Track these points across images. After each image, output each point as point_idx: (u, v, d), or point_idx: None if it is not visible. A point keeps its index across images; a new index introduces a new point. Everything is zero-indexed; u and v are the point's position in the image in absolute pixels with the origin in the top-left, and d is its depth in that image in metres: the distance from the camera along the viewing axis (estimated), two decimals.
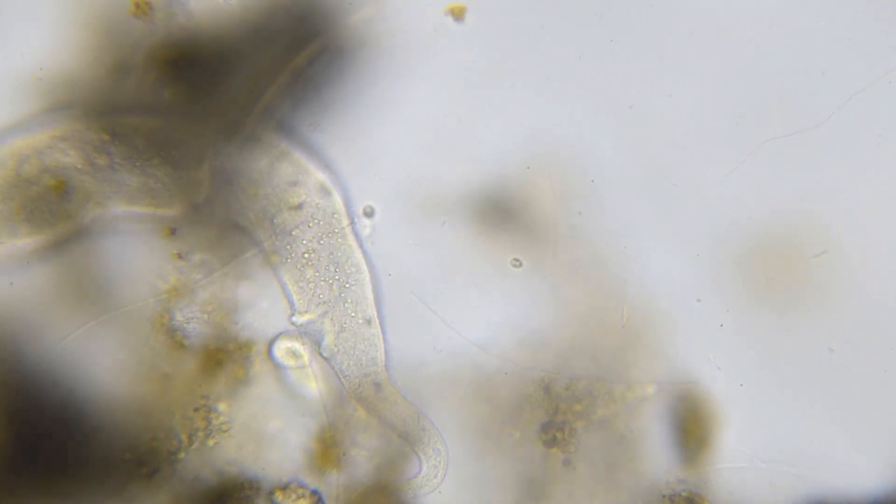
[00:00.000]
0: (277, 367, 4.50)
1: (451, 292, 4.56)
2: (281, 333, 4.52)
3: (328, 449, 4.50)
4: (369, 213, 4.39)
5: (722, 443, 4.55)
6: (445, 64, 4.56)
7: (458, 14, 4.55)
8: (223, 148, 4.47)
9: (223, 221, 4.49)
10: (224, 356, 4.47)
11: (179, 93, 4.46)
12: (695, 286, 4.56)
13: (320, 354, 4.52)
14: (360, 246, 4.54)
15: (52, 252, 4.44)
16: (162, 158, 4.44)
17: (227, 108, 4.48)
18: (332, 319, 4.52)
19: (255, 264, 4.51)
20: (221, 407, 4.48)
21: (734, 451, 4.55)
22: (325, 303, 4.51)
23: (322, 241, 4.52)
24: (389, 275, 4.56)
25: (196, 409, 4.45)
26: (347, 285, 4.52)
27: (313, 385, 4.52)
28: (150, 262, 4.47)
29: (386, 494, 4.53)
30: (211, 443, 4.47)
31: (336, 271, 4.52)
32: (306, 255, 4.50)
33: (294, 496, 4.45)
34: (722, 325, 4.56)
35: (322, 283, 4.52)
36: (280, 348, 4.49)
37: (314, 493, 4.47)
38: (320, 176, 4.53)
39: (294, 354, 4.50)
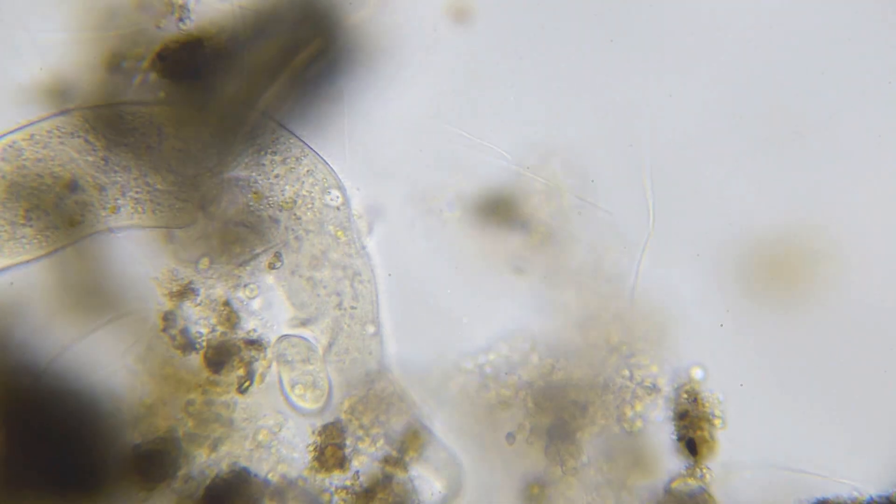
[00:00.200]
0: (294, 409, 4.53)
1: (452, 292, 4.57)
2: (283, 337, 4.53)
3: (333, 449, 4.51)
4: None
5: (722, 443, 4.55)
6: (445, 64, 4.57)
7: (457, 15, 4.56)
8: (224, 150, 4.47)
9: (225, 225, 4.49)
10: (227, 358, 4.48)
11: (180, 93, 4.46)
12: (695, 286, 4.56)
13: (322, 356, 4.53)
14: (361, 246, 4.55)
15: (53, 253, 4.44)
16: (163, 161, 4.45)
17: (227, 109, 4.48)
18: (333, 321, 4.53)
19: (256, 267, 4.51)
20: (223, 409, 4.49)
21: (734, 452, 4.55)
22: (326, 304, 4.52)
23: (322, 242, 4.52)
24: (389, 274, 4.57)
25: (198, 411, 4.46)
26: (348, 286, 4.53)
27: (320, 386, 4.53)
28: (153, 265, 4.47)
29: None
30: (214, 443, 4.48)
31: (337, 272, 4.53)
32: (307, 257, 4.51)
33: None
34: (722, 325, 4.56)
35: (323, 284, 4.52)
36: (295, 394, 4.52)
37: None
38: (320, 177, 4.53)
39: (310, 390, 4.52)
